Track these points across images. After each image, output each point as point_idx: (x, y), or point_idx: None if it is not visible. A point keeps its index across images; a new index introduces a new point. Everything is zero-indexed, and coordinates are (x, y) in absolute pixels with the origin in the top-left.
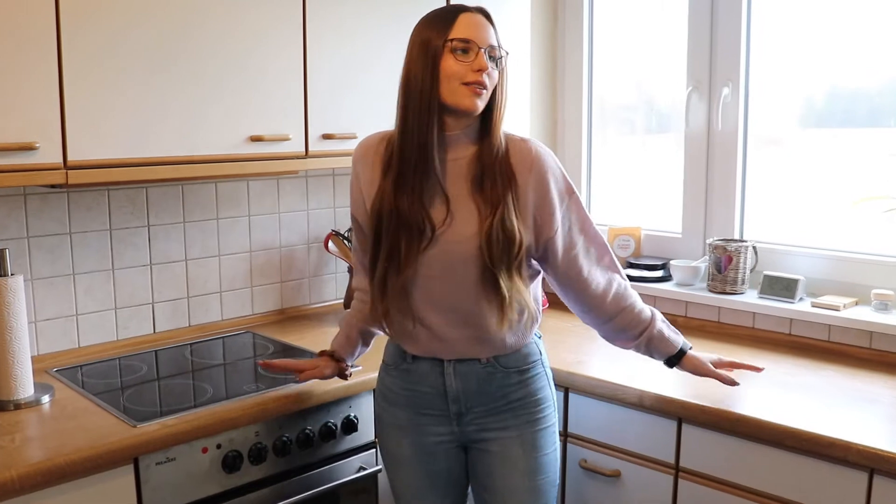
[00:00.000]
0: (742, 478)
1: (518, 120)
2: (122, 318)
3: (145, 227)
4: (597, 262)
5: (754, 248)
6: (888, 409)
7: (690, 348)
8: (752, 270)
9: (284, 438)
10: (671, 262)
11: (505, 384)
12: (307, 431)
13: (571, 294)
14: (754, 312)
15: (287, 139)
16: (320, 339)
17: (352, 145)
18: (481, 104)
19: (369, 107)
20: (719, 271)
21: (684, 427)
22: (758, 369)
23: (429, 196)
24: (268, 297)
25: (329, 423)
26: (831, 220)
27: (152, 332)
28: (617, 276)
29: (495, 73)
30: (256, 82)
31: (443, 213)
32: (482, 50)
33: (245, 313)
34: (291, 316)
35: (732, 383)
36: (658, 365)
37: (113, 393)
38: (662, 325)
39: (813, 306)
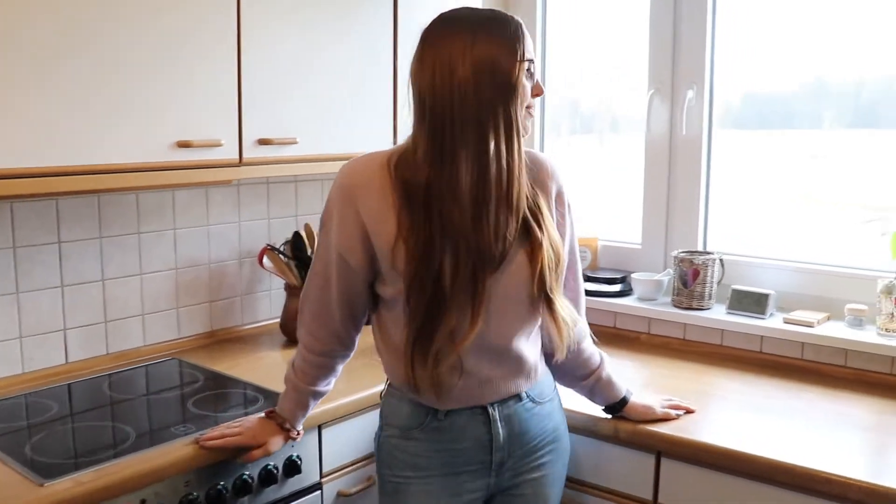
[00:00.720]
0: None
1: None
2: (28, 348)
3: (55, 243)
4: (574, 285)
5: (721, 260)
6: (879, 436)
7: (632, 395)
8: (718, 284)
9: (219, 487)
10: (632, 275)
11: (541, 417)
12: (245, 477)
13: None
14: (723, 329)
15: (218, 145)
16: (256, 365)
17: (292, 151)
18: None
19: (312, 109)
20: (685, 286)
21: (663, 461)
22: (691, 410)
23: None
24: (196, 318)
25: (269, 467)
26: (796, 231)
27: (64, 362)
28: (583, 308)
29: None
30: (183, 80)
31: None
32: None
33: (170, 337)
34: (222, 339)
35: (676, 417)
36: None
37: (16, 439)
38: (611, 371)
39: (785, 322)
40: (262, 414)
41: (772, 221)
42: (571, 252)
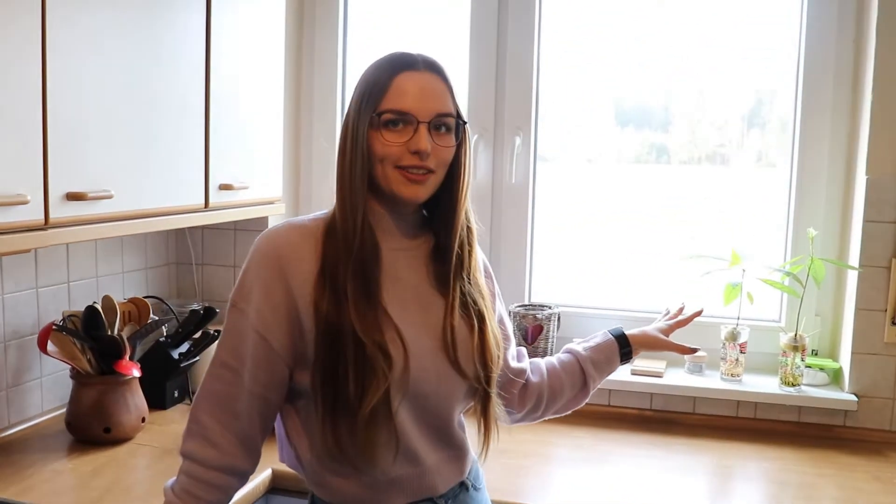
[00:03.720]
0: None
1: (272, 156)
2: None
3: None
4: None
5: (558, 314)
6: (778, 487)
7: (622, 333)
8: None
9: None
10: None
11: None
12: None
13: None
14: None
15: (24, 202)
16: (59, 484)
17: (106, 208)
18: (425, 192)
19: (128, 154)
20: (527, 342)
21: None
22: (698, 313)
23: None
24: None
25: None
26: (619, 279)
27: None
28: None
29: (448, 150)
30: None
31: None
32: (424, 124)
33: None
34: None
35: (692, 351)
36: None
37: None
38: (579, 347)
39: (633, 374)
40: None
41: (591, 269)
42: (503, 319)
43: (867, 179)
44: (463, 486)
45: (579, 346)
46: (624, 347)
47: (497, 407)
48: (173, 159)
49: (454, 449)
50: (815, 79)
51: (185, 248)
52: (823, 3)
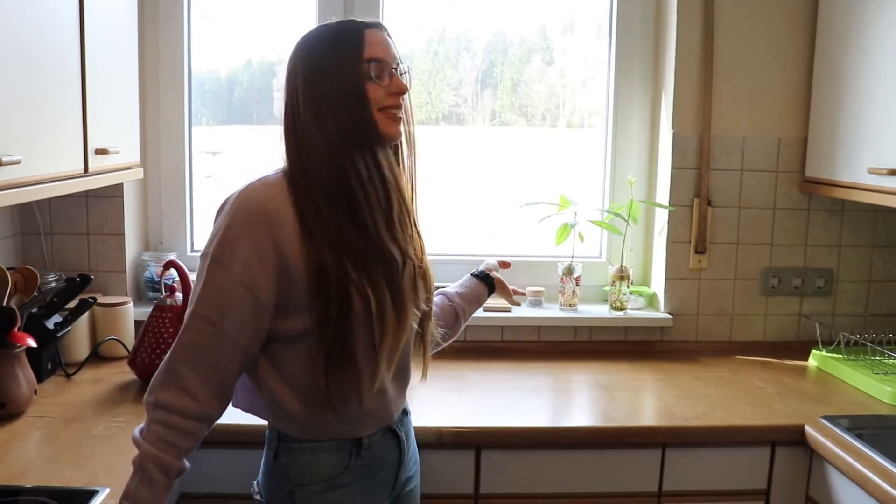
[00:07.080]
0: (545, 486)
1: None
2: None
3: None
4: None
5: None
6: (619, 392)
7: (485, 273)
8: None
9: None
10: None
11: (412, 429)
12: None
13: None
14: None
15: None
16: None
17: None
18: (401, 130)
19: (17, 116)
20: None
21: (483, 454)
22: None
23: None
24: None
25: None
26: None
27: None
28: None
29: (408, 92)
30: None
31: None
32: (395, 69)
33: None
34: None
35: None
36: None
37: None
38: (454, 294)
39: (485, 311)
40: None
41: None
42: None
43: (673, 133)
44: (404, 411)
45: (448, 288)
46: (486, 279)
47: (433, 326)
48: (55, 123)
49: (406, 380)
50: (625, 53)
51: (30, 217)
52: None
